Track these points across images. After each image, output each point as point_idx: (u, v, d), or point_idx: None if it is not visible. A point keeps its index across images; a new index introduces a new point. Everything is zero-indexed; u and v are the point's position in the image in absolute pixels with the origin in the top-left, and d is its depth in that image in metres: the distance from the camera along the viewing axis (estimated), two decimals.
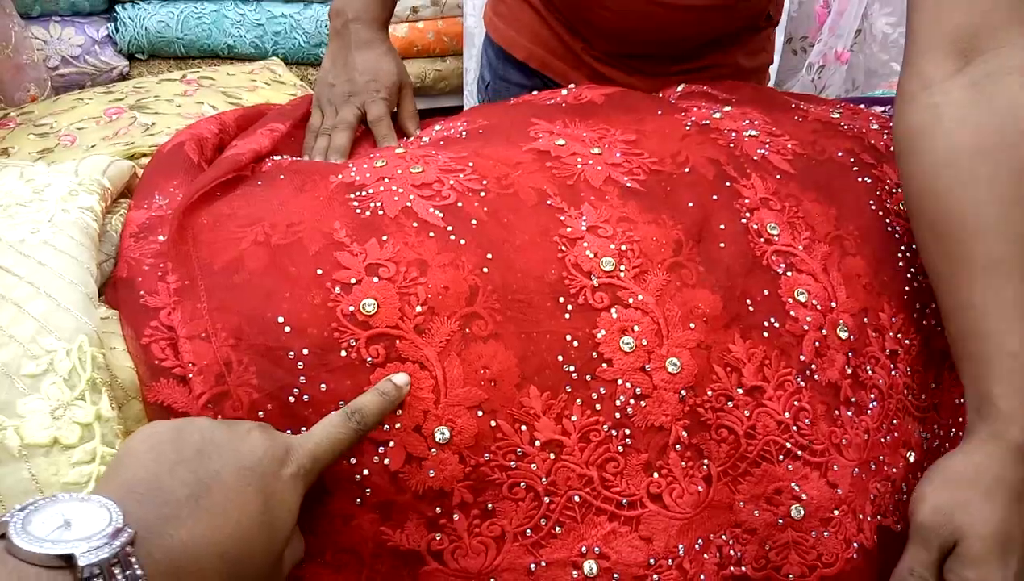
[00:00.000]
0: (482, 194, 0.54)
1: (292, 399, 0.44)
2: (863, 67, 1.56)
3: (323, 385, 0.45)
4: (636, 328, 0.50)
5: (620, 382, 0.48)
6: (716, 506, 0.47)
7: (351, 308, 0.46)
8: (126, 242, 0.52)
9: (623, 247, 0.53)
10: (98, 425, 0.39)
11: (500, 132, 0.66)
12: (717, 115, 0.69)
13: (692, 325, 0.51)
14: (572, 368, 0.48)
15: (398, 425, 0.45)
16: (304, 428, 0.44)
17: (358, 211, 0.52)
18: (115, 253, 0.52)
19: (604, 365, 0.49)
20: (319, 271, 0.48)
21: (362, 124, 0.75)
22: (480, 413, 0.46)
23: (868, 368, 0.55)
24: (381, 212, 0.52)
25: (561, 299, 0.50)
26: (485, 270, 0.50)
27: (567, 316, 0.50)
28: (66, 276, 0.42)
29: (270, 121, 0.73)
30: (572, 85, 0.76)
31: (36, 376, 0.38)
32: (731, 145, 0.64)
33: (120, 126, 0.90)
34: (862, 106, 0.84)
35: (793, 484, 0.49)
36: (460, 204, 0.53)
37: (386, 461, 0.44)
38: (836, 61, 1.51)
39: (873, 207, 0.62)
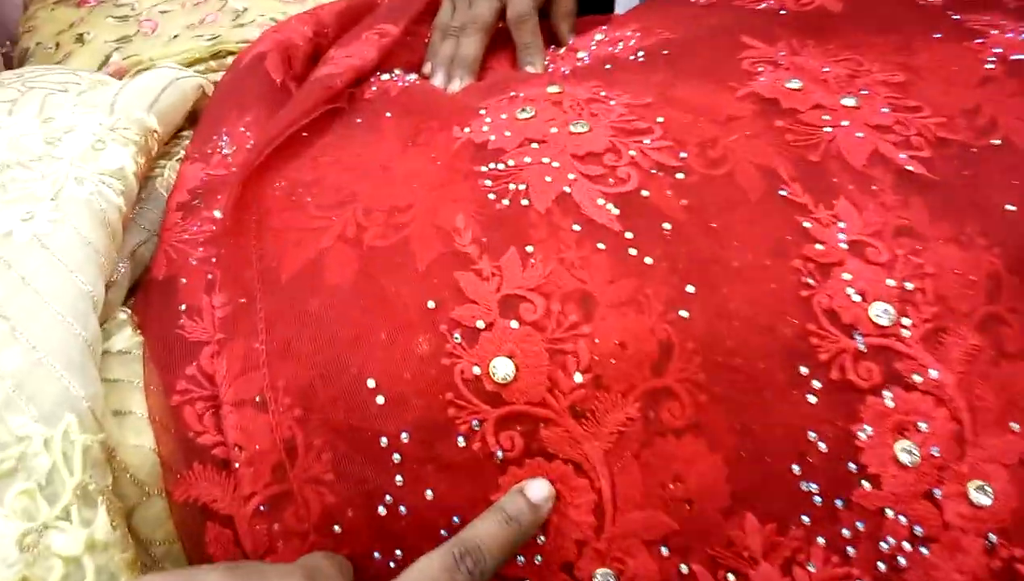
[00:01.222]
0: (679, 176, 0.35)
1: (383, 509, 0.29)
2: None
3: (429, 492, 0.29)
4: (924, 426, 0.31)
5: (890, 514, 0.30)
6: None
7: (476, 370, 0.30)
8: (171, 217, 0.37)
9: (907, 284, 0.33)
10: (89, 559, 0.25)
11: (695, 56, 0.45)
12: None
13: (1015, 426, 0.31)
14: (814, 487, 0.31)
15: (538, 559, 0.29)
16: (399, 551, 0.29)
17: (491, 196, 0.35)
18: (159, 227, 0.38)
19: (866, 484, 0.31)
20: (431, 303, 0.31)
21: (501, 20, 0.56)
22: (665, 551, 0.30)
23: None
24: (526, 201, 0.34)
25: (803, 370, 0.31)
26: (684, 314, 0.32)
27: (811, 399, 0.31)
28: (58, 305, 0.28)
29: (379, 20, 0.55)
30: None
31: None
32: None
33: (207, 12, 0.75)
34: None
35: None
36: (646, 193, 0.34)
37: None
38: None
39: None
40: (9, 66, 0.75)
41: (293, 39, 0.52)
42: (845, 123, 0.38)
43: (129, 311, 0.33)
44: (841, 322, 0.32)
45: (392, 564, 0.30)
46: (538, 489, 0.29)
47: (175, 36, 0.72)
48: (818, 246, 0.33)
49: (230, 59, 0.68)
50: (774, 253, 0.33)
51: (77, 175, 0.33)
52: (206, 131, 0.43)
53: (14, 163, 0.34)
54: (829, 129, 0.38)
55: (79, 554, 0.25)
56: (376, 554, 0.29)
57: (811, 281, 0.33)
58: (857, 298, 0.32)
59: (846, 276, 0.33)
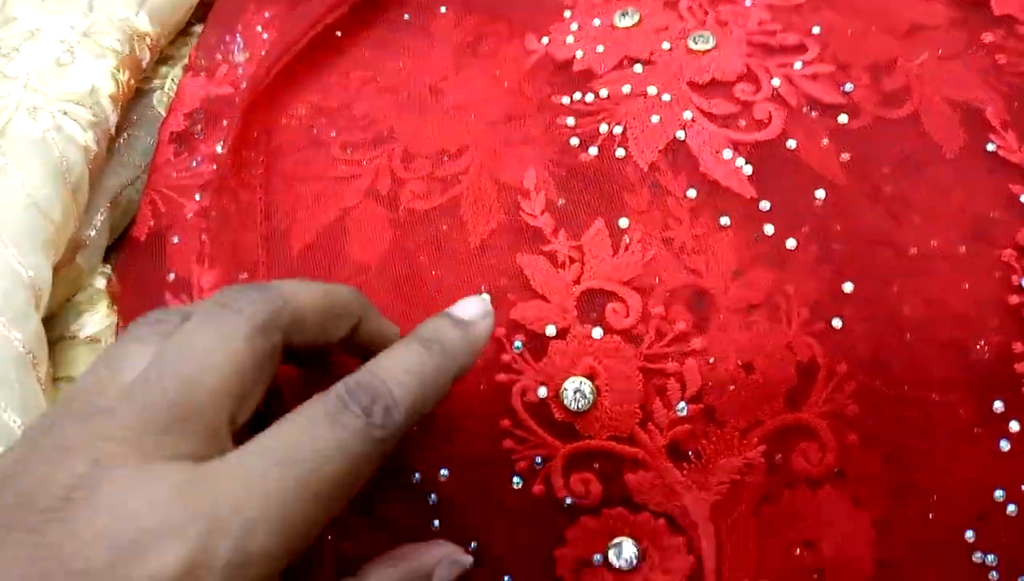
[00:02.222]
0: (841, 118, 0.25)
1: None
2: None
3: (472, 544, 0.23)
4: None
5: None
6: None
7: (542, 392, 0.22)
8: (163, 151, 0.29)
9: None
10: None
11: None
12: None
13: None
14: (991, 560, 0.23)
15: None
16: None
17: (574, 141, 0.25)
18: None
19: None
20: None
21: None
22: None
23: None
24: (622, 151, 0.25)
25: (998, 406, 0.23)
26: (837, 323, 0.23)
27: (1004, 446, 0.23)
28: None
29: None
30: None
31: None
32: None
33: None
34: None
35: None
36: (792, 143, 0.25)
37: None
38: None
39: None
40: None
41: None
42: None
43: (110, 274, 0.27)
44: None
45: None
46: (467, 306, 0.21)
47: None
48: None
49: None
50: (973, 236, 0.23)
51: (32, 103, 0.25)
52: (216, 30, 0.34)
53: None
54: None
55: None
56: None
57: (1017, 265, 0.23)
58: None
59: None
